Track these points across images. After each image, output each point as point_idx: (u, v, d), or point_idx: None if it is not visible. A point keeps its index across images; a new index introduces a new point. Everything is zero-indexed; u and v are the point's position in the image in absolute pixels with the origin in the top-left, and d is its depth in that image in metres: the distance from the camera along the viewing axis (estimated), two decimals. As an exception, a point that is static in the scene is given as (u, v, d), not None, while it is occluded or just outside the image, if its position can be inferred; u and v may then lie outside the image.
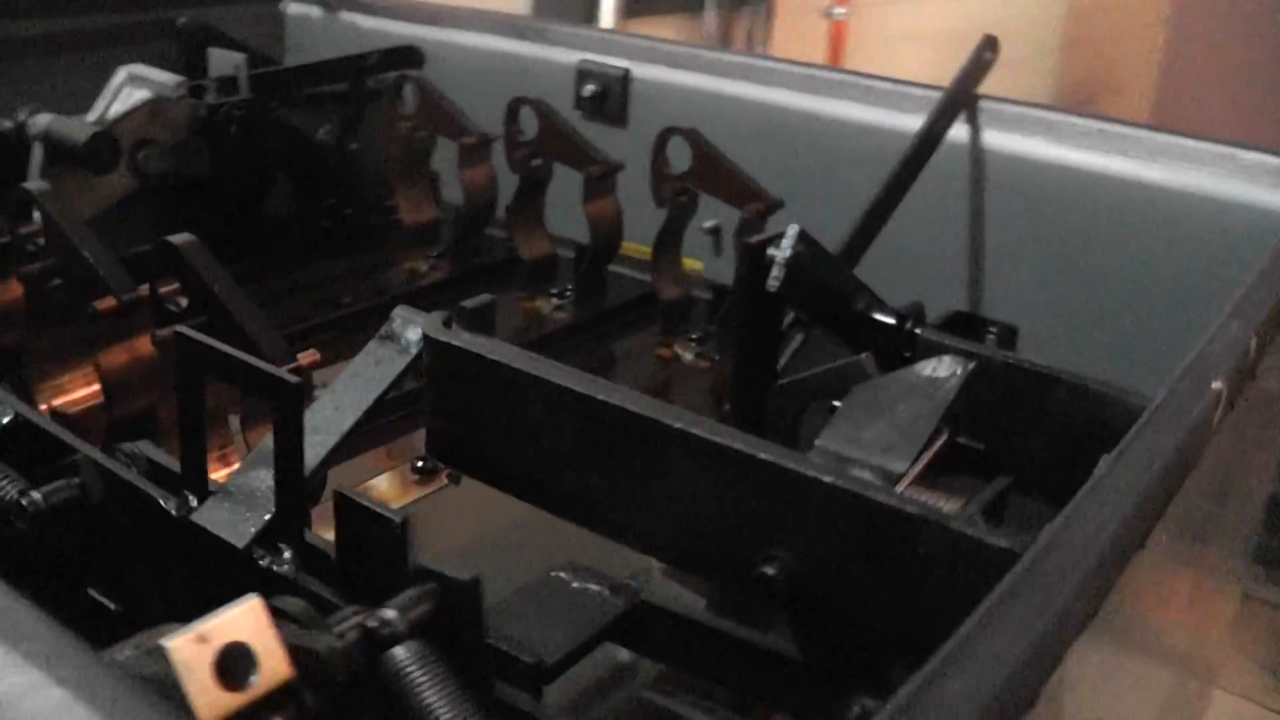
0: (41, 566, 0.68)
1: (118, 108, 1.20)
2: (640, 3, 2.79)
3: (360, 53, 1.51)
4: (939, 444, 0.55)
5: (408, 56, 1.50)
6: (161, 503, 0.65)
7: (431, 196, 1.40)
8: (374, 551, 0.59)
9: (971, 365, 0.60)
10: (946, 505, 0.49)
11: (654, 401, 0.57)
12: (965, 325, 1.14)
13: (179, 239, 0.82)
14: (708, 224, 1.29)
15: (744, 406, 0.97)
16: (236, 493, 0.63)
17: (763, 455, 0.51)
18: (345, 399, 0.65)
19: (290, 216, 1.40)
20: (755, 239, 0.91)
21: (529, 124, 1.26)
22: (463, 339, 0.62)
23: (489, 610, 0.63)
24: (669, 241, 1.19)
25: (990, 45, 1.11)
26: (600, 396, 0.56)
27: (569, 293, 1.27)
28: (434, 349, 0.63)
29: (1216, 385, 0.54)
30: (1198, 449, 0.52)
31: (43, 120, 1.15)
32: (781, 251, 0.92)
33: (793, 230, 0.91)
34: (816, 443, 0.55)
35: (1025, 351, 1.13)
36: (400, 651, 0.47)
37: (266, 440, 0.63)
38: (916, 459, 0.53)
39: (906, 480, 0.52)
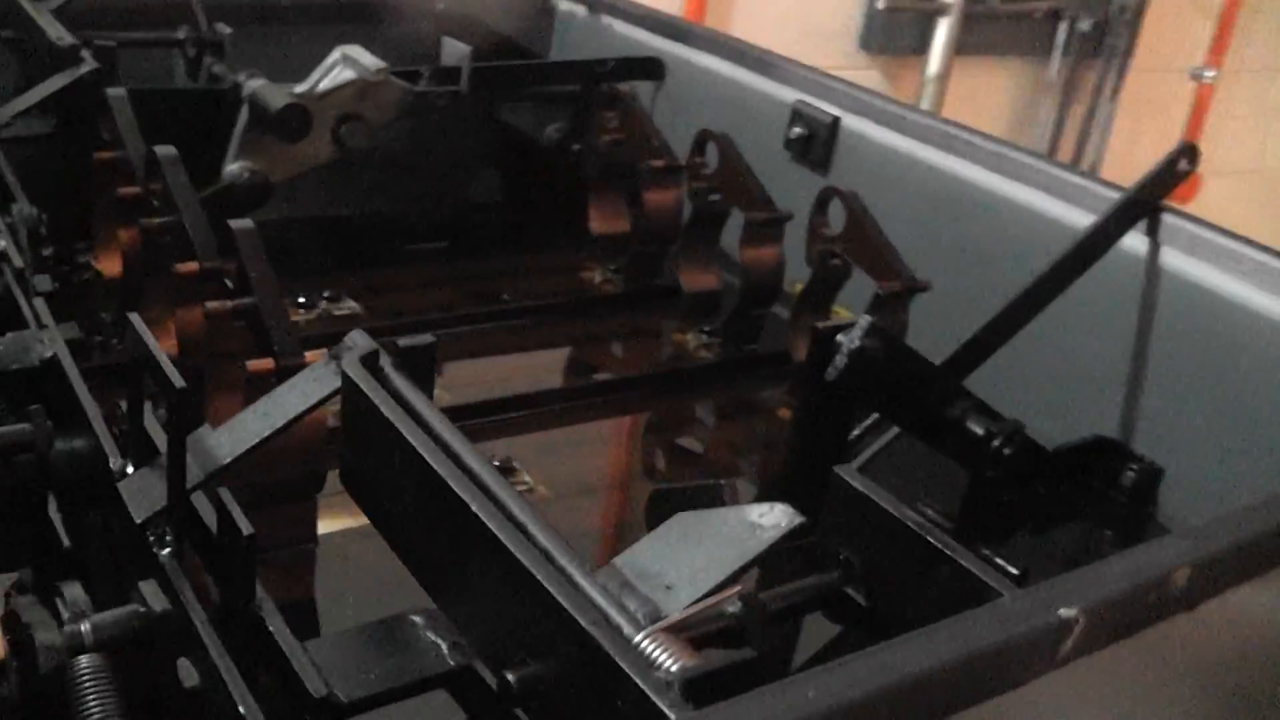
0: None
1: (326, 84, 1.27)
2: (976, 41, 2.67)
3: (599, 58, 1.53)
4: (730, 592, 0.50)
5: (648, 67, 1.50)
6: (110, 460, 0.68)
7: (624, 211, 1.40)
8: (230, 559, 0.60)
9: (798, 522, 0.54)
10: (682, 659, 0.45)
11: (486, 486, 0.54)
12: (1104, 454, 1.03)
13: (237, 224, 0.85)
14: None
15: (796, 492, 0.91)
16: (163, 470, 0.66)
17: (527, 563, 0.48)
18: (273, 409, 0.66)
19: (488, 206, 1.44)
20: (824, 325, 0.86)
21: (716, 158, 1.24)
22: (371, 379, 0.62)
23: (326, 636, 0.63)
24: (810, 302, 1.14)
25: (1188, 154, 0.99)
26: (440, 472, 0.55)
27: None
28: (346, 381, 0.63)
29: (1068, 613, 0.46)
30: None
31: (253, 84, 1.24)
32: (848, 342, 0.86)
33: (863, 322, 0.85)
34: (614, 560, 0.51)
35: (1167, 495, 1.01)
36: (81, 660, 0.48)
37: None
38: (696, 602, 0.49)
39: (668, 621, 0.47)
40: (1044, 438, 0.91)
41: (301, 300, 1.19)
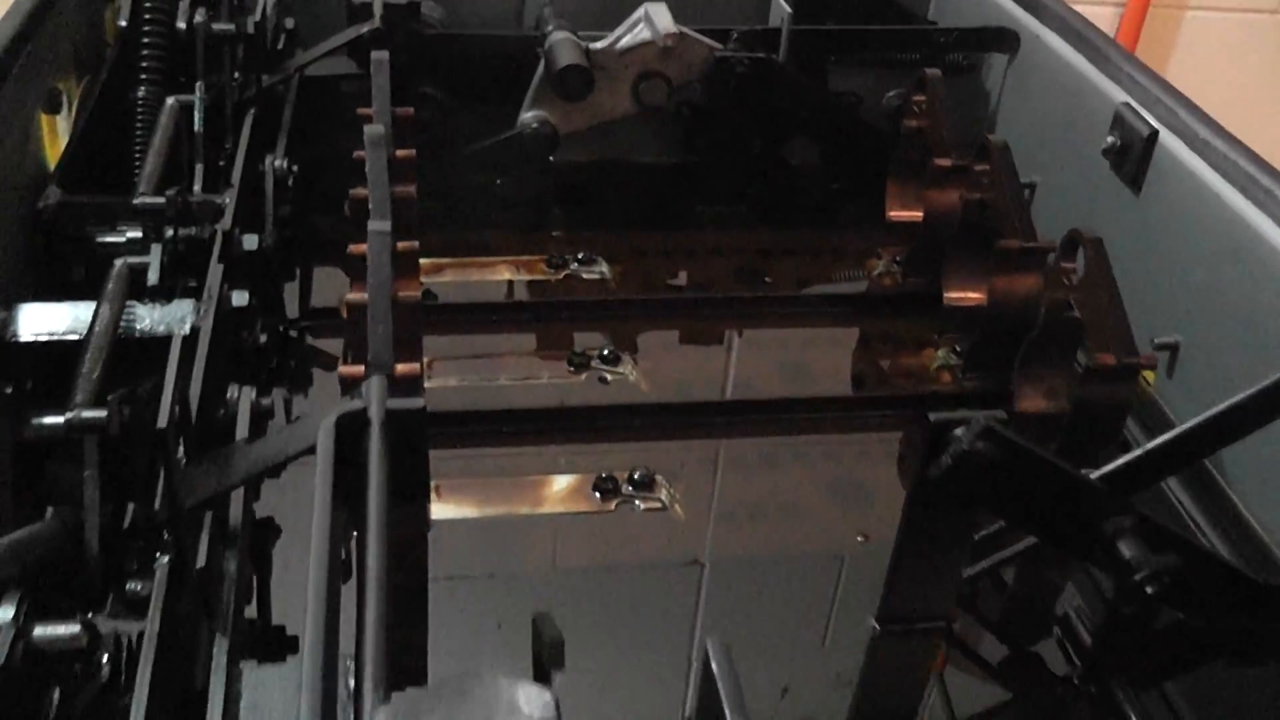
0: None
1: (626, 41, 1.27)
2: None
3: (943, 26, 1.43)
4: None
5: (1000, 38, 1.38)
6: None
7: (920, 201, 1.31)
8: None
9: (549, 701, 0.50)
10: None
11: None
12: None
13: (373, 226, 0.88)
14: (1160, 339, 1.08)
15: (892, 594, 0.85)
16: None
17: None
18: (252, 456, 0.70)
19: (795, 173, 1.40)
20: (938, 417, 0.78)
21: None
22: (329, 449, 0.63)
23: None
24: (1035, 353, 1.03)
25: None
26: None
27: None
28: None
29: None
30: None
31: (556, 36, 1.27)
32: (957, 443, 0.78)
33: (977, 422, 0.77)
34: (381, 707, 0.51)
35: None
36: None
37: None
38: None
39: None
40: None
41: (549, 258, 1.24)
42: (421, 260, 0.95)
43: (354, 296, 0.90)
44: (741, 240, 1.33)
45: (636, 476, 0.97)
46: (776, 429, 1.06)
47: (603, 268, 1.24)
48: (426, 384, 1.01)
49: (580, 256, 1.24)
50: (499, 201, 1.34)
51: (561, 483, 0.98)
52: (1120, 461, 0.84)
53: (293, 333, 1.12)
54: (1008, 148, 1.13)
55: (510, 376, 1.08)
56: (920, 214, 1.27)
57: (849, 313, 1.24)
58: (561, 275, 1.22)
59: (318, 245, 1.17)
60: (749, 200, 1.39)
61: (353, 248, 0.95)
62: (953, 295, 1.19)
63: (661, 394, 1.07)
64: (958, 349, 1.17)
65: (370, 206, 0.96)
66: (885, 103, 1.44)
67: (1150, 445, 0.84)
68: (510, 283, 1.21)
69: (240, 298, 0.90)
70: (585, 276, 1.22)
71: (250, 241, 0.95)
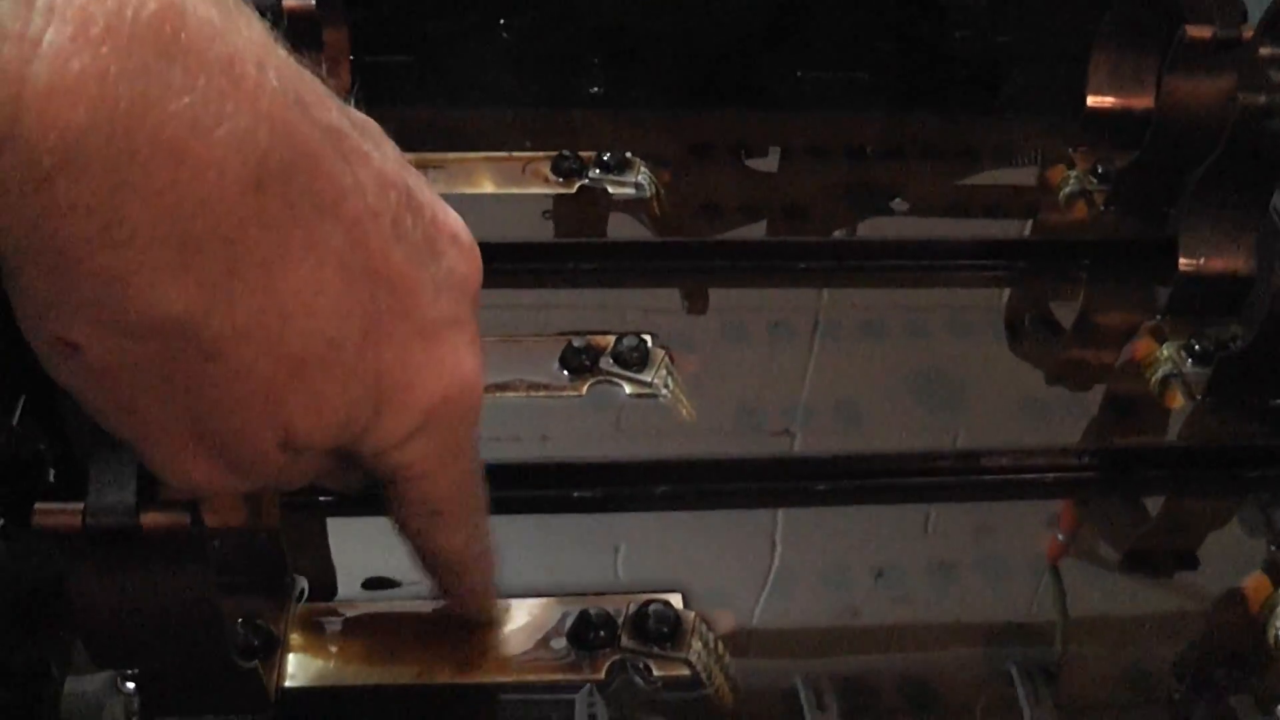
0: None
1: None
2: None
3: None
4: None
5: None
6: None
7: (1149, 81, 0.84)
8: None
9: None
10: None
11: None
12: None
13: None
14: None
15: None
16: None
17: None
18: None
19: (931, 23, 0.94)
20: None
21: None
22: None
23: None
24: (1212, 186, 0.68)
25: None
26: None
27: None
28: None
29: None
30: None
31: None
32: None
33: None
34: None
35: None
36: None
37: None
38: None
39: None
40: None
41: (559, 156, 0.80)
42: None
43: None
44: (858, 131, 0.88)
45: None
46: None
47: (641, 177, 0.80)
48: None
49: (607, 158, 0.80)
50: (502, 54, 0.90)
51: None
52: None
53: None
54: (1327, 21, 0.66)
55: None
56: (1150, 106, 0.81)
57: (1010, 268, 0.79)
58: (575, 188, 0.79)
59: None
60: (874, 62, 0.93)
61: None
62: (1192, 250, 0.74)
63: (713, 426, 0.65)
64: (1195, 346, 0.72)
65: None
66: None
67: None
68: (490, 199, 0.78)
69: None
70: (612, 192, 0.79)
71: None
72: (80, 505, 0.39)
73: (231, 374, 0.35)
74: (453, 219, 0.42)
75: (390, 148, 0.39)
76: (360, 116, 0.39)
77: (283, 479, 0.41)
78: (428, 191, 0.41)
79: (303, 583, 0.55)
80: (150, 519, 0.39)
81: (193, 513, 0.40)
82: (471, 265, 0.42)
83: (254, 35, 0.33)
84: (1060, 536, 0.63)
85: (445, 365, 0.40)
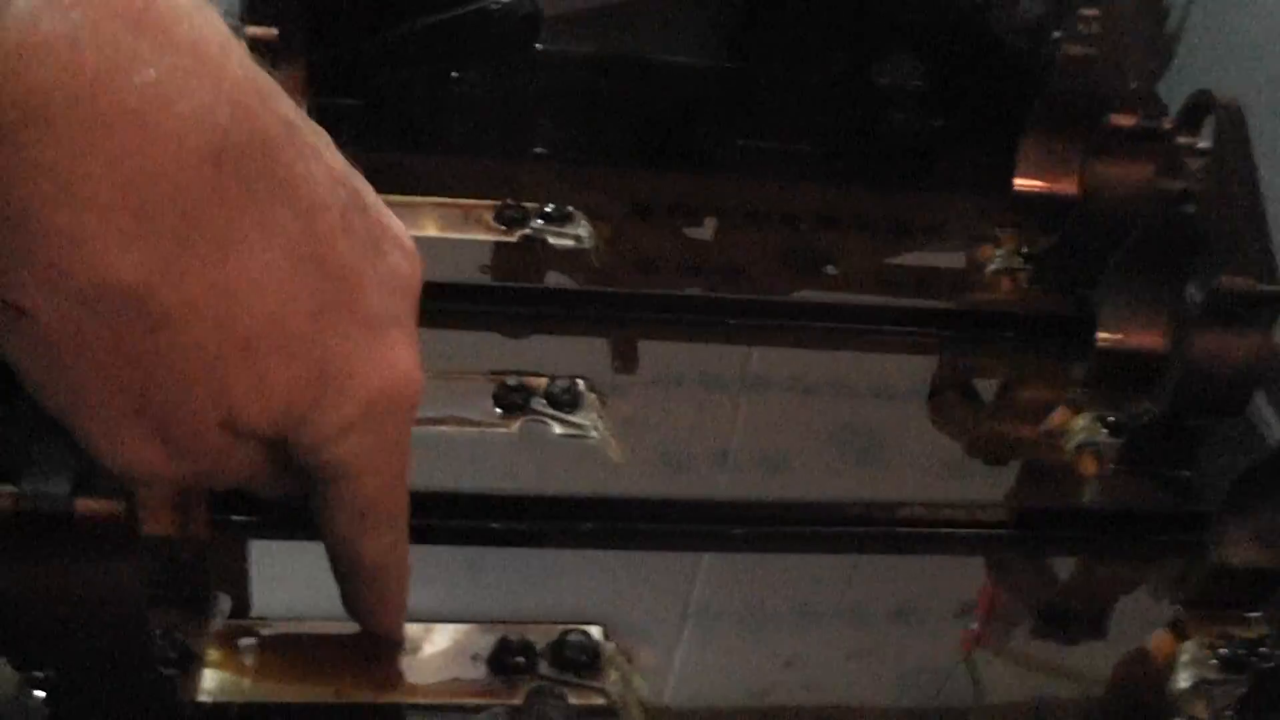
0: None
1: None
2: None
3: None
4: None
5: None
6: None
7: (1072, 167, 0.88)
8: None
9: None
10: None
11: None
12: None
13: None
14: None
15: None
16: None
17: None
18: None
19: (891, 97, 0.97)
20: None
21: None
22: None
23: None
24: (1131, 266, 0.70)
25: None
26: None
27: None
28: None
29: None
30: None
31: None
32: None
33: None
34: None
35: None
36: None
37: None
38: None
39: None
40: None
41: (502, 206, 0.82)
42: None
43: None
44: (796, 200, 0.90)
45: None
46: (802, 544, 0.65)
47: (581, 230, 0.82)
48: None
49: (550, 210, 0.82)
50: (453, 104, 0.92)
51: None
52: None
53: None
54: (1240, 114, 0.70)
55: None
56: (1074, 190, 0.85)
57: (936, 336, 0.82)
58: (517, 236, 0.81)
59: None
60: (814, 136, 0.96)
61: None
62: (1110, 326, 0.77)
63: (641, 468, 0.67)
64: (1108, 418, 0.75)
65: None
66: (1024, 8, 1.00)
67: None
68: (434, 241, 0.80)
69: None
70: (553, 242, 0.81)
71: None
72: (13, 489, 0.39)
73: (178, 347, 0.36)
74: (396, 223, 0.43)
75: (339, 154, 0.41)
76: (313, 122, 0.40)
77: (219, 467, 0.41)
78: (373, 195, 0.42)
79: (225, 600, 0.55)
80: (84, 505, 0.39)
81: (128, 503, 0.40)
82: (414, 267, 0.43)
83: (220, 27, 0.35)
84: (975, 625, 0.64)
85: (386, 359, 0.41)
